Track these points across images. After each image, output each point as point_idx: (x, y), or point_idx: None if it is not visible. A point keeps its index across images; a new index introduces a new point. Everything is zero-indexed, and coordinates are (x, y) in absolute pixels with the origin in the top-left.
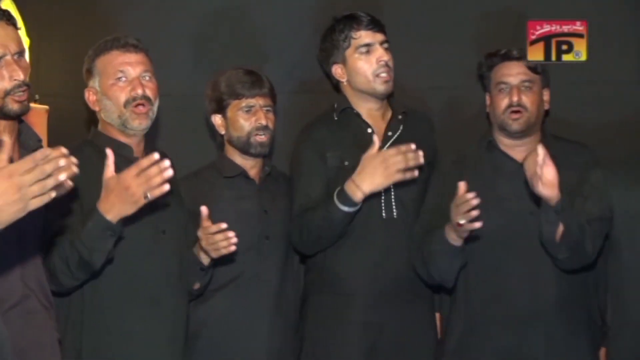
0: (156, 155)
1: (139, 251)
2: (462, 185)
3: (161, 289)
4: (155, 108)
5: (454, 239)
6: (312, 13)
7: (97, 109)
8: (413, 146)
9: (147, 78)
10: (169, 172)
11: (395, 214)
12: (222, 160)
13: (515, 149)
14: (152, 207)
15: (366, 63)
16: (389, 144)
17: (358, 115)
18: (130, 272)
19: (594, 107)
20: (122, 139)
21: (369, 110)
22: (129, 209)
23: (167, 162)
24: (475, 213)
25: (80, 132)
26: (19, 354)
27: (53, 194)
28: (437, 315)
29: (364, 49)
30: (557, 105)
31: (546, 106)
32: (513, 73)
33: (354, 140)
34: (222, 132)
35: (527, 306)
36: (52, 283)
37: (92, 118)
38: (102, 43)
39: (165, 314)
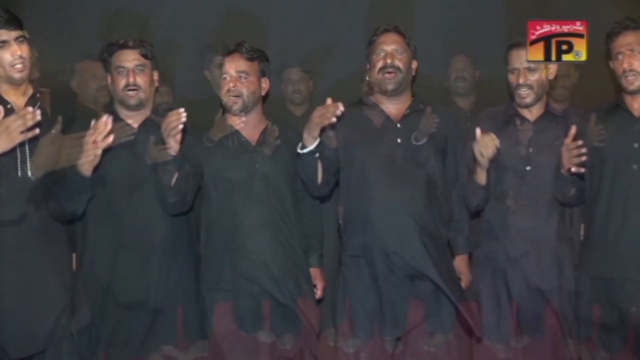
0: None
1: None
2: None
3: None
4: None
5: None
6: None
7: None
8: (30, 108)
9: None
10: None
11: (29, 173)
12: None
13: (133, 118)
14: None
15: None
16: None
17: (0, 96)
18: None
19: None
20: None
21: (7, 91)
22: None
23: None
24: None
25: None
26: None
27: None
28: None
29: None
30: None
31: (156, 84)
32: (129, 59)
33: None
34: None
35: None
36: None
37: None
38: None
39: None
